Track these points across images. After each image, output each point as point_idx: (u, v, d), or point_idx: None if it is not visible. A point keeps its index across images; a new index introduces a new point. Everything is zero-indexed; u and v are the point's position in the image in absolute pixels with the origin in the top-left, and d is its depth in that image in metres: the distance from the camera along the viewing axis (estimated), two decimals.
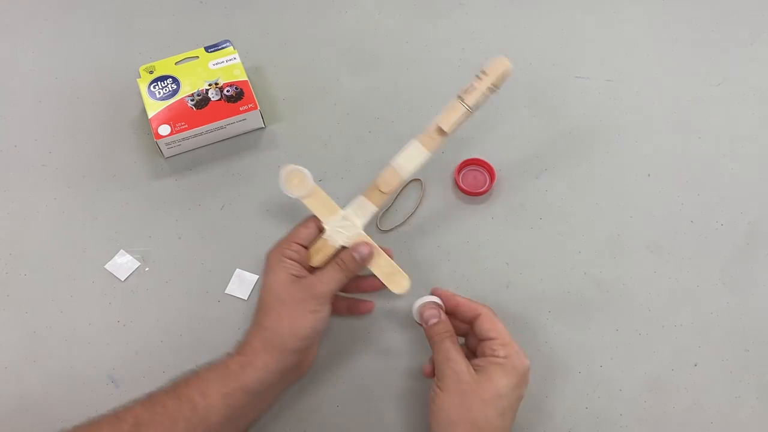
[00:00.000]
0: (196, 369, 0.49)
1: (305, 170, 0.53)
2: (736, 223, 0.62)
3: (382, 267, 0.53)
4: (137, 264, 0.60)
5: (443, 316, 0.51)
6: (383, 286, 0.53)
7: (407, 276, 0.53)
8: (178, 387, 0.47)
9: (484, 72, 0.53)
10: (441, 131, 0.53)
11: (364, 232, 0.53)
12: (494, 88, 0.53)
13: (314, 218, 0.54)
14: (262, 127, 0.67)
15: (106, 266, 0.60)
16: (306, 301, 0.49)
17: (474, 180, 0.64)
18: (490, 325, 0.49)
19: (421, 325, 0.52)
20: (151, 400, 0.47)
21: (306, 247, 0.53)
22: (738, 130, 0.67)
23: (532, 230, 0.62)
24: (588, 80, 0.70)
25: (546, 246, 0.61)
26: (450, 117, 0.53)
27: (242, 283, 0.59)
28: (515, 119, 0.68)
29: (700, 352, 0.56)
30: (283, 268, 0.51)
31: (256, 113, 0.65)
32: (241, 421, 0.49)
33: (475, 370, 0.47)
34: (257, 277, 0.59)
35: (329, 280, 0.50)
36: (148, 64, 0.67)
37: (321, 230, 0.53)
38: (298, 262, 0.51)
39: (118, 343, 0.57)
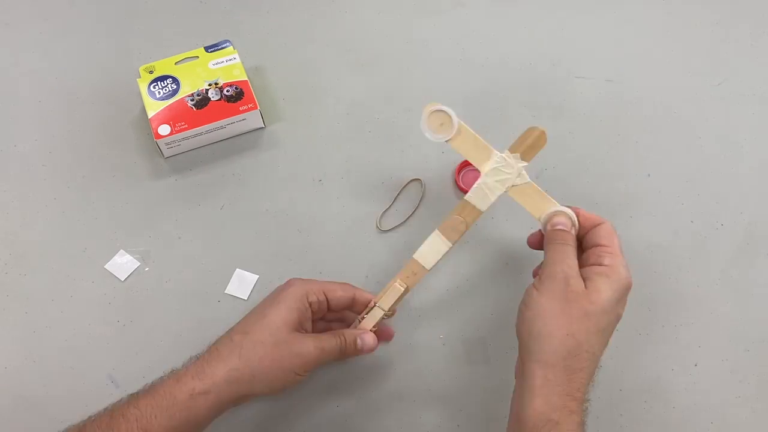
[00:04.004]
0: (136, 394, 0.44)
1: (449, 110, 0.48)
2: (736, 223, 0.61)
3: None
4: (137, 264, 0.60)
5: (573, 230, 0.48)
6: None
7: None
8: (115, 421, 0.42)
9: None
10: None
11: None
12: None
13: (351, 286, 0.51)
14: (262, 127, 0.67)
15: (106, 266, 0.60)
16: (297, 360, 0.45)
17: (474, 180, 0.63)
18: (605, 234, 0.46)
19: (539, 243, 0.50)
20: None
21: (329, 307, 0.50)
22: (738, 130, 0.67)
23: (533, 230, 0.61)
24: (588, 80, 0.70)
25: None
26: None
27: (242, 283, 0.59)
28: (515, 119, 0.68)
29: (700, 352, 0.56)
30: (298, 310, 0.47)
31: (256, 113, 0.65)
32: None
33: (584, 279, 0.44)
34: (257, 277, 0.59)
35: (329, 353, 0.47)
36: (148, 64, 0.67)
37: (356, 300, 0.51)
38: (313, 313, 0.49)
39: (118, 343, 0.57)
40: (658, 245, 0.61)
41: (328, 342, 0.47)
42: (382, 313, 0.51)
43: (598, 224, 0.47)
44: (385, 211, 0.62)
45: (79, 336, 0.57)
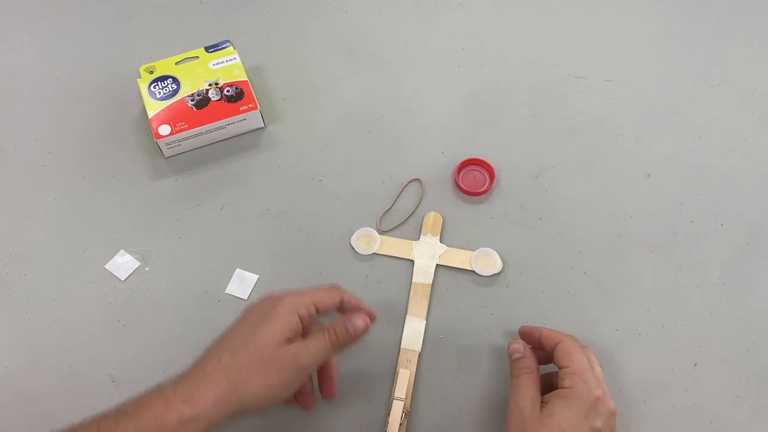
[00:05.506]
0: (123, 411, 0.41)
1: (369, 230, 0.60)
2: (736, 223, 0.62)
3: None
4: (137, 264, 0.60)
5: (527, 351, 0.50)
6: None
7: None
8: None
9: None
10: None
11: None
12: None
13: (340, 289, 0.50)
14: (262, 127, 0.67)
15: (106, 266, 0.60)
16: (285, 371, 0.44)
17: (474, 180, 0.64)
18: (563, 354, 0.48)
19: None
20: None
21: (319, 313, 0.48)
22: (738, 130, 0.67)
23: (532, 230, 0.62)
24: (588, 80, 0.70)
25: (546, 246, 0.61)
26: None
27: (242, 283, 0.59)
28: (515, 119, 0.68)
29: (700, 352, 0.56)
30: (286, 325, 0.45)
31: (256, 113, 0.65)
32: None
33: (543, 404, 0.46)
34: (257, 277, 0.59)
35: (316, 353, 0.46)
36: (148, 64, 0.67)
37: (343, 303, 0.50)
38: (303, 325, 0.47)
39: (118, 343, 0.57)
40: (658, 245, 0.61)
41: (315, 342, 0.46)
42: (401, 404, 0.52)
43: (557, 343, 0.49)
44: (385, 211, 0.62)
45: (79, 336, 0.57)
